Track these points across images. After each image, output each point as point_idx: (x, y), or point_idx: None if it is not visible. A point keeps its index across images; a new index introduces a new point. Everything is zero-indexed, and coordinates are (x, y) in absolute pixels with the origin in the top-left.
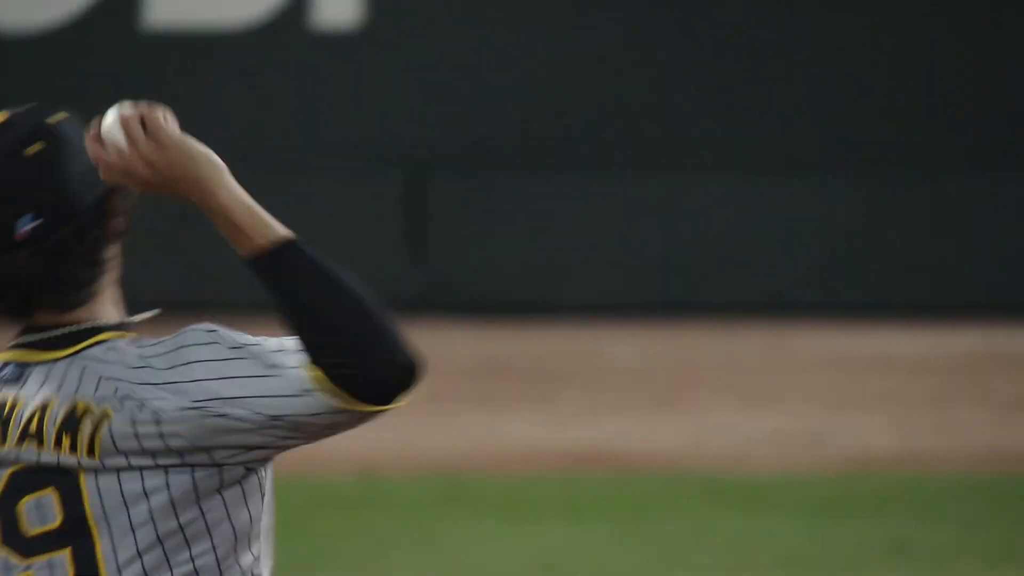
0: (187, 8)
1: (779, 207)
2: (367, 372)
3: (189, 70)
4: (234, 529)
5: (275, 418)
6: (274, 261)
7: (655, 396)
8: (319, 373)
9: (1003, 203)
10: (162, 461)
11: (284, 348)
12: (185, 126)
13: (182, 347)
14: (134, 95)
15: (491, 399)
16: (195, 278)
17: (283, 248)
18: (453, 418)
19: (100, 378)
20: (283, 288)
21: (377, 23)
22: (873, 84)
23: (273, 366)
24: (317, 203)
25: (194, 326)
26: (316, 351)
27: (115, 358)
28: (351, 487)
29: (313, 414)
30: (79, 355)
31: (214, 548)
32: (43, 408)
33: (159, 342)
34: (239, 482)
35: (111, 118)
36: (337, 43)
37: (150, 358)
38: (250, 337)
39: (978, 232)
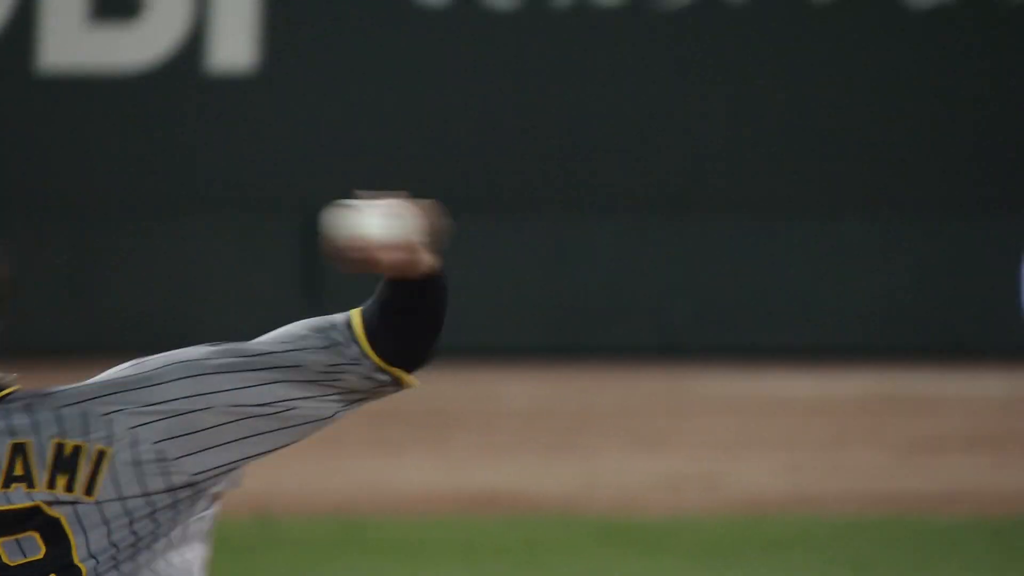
0: (81, 52)
1: (673, 250)
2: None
3: (82, 114)
4: (188, 529)
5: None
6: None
7: (550, 439)
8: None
9: (897, 247)
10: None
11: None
12: (77, 171)
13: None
14: (27, 140)
15: (386, 442)
16: (89, 322)
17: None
18: (349, 460)
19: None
20: (424, 298)
21: (272, 66)
22: (765, 127)
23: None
24: (213, 245)
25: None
26: (415, 339)
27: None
28: (247, 529)
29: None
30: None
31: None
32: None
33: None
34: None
35: (375, 220)
36: (232, 86)
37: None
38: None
39: (872, 275)
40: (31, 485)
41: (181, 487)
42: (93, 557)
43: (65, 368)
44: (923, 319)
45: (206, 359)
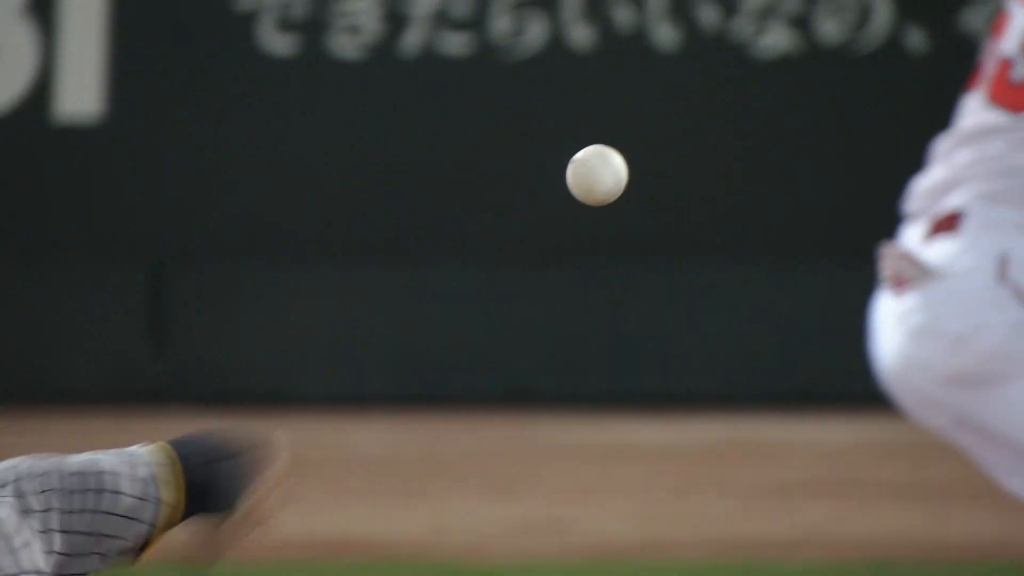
0: None
1: (519, 298)
2: None
3: None
4: None
5: None
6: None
7: (400, 485)
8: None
9: (743, 296)
10: None
11: None
12: None
13: None
14: None
15: None
16: None
17: None
18: None
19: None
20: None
21: (119, 115)
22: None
23: None
24: (58, 295)
25: None
26: None
27: None
28: None
29: None
30: None
31: None
32: None
33: None
34: None
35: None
36: (78, 135)
37: None
38: None
39: (718, 324)
40: None
41: None
42: None
43: None
44: (769, 367)
45: None
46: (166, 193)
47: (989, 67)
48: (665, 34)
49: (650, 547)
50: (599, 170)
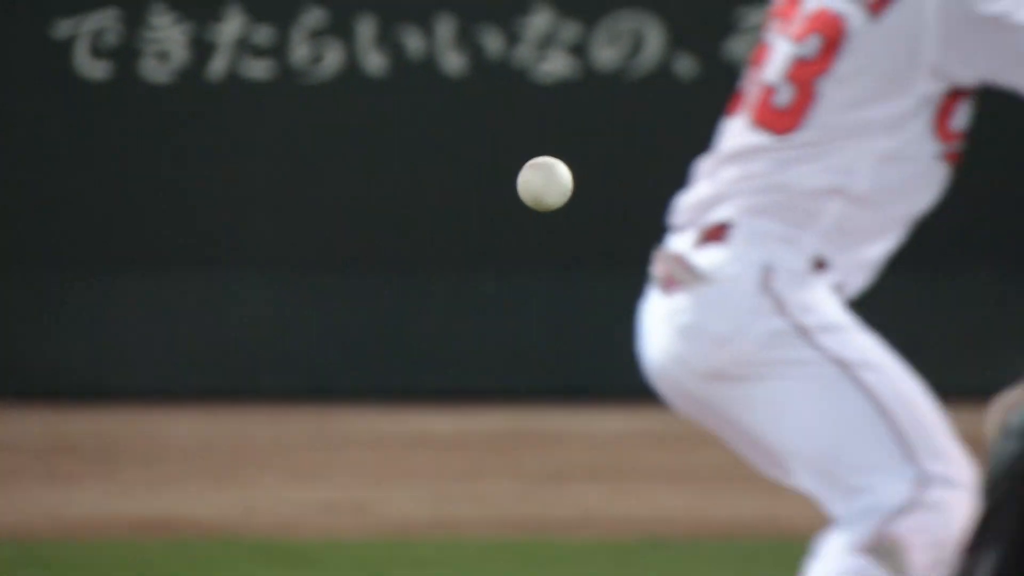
0: None
1: (321, 301)
2: None
3: None
4: None
5: None
6: None
7: (212, 470)
8: None
9: (524, 298)
10: None
11: None
12: None
13: None
14: None
15: (59, 474)
16: None
17: None
18: (24, 492)
19: None
20: None
21: None
22: (402, 189)
23: None
24: None
25: None
26: None
27: None
28: None
29: None
30: None
31: None
32: None
33: None
34: None
35: None
36: None
37: None
38: None
39: (503, 324)
40: None
41: None
42: None
43: None
44: (549, 364)
45: None
46: None
47: (752, 93)
48: (453, 61)
49: (443, 526)
50: (548, 183)
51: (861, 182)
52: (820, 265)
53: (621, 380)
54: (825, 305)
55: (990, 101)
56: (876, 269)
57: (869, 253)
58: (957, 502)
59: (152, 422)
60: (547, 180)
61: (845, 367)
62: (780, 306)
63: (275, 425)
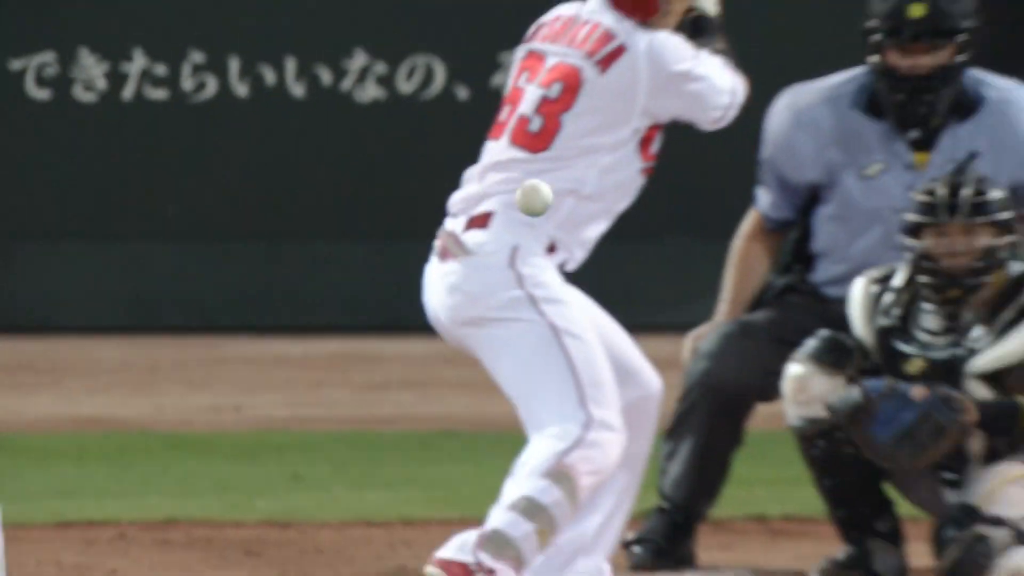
0: None
1: (210, 262)
2: None
3: None
4: None
5: None
6: None
7: (132, 382)
8: None
9: (358, 260)
10: None
11: None
12: None
13: None
14: None
15: (20, 385)
16: None
17: None
18: None
19: None
20: None
21: None
22: (270, 175)
23: None
24: None
25: None
26: None
27: None
28: None
29: None
30: None
31: None
32: None
33: None
34: None
35: None
36: None
37: None
38: None
39: (340, 277)
40: None
41: None
42: None
43: None
44: (372, 304)
45: None
46: None
47: (509, 122)
48: (297, 89)
49: (297, 423)
50: (531, 200)
51: (589, 186)
52: (552, 248)
53: (423, 316)
54: (553, 283)
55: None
56: (592, 246)
57: (589, 235)
58: (611, 441)
59: (88, 347)
60: (530, 198)
61: (556, 332)
62: (520, 280)
63: (177, 350)
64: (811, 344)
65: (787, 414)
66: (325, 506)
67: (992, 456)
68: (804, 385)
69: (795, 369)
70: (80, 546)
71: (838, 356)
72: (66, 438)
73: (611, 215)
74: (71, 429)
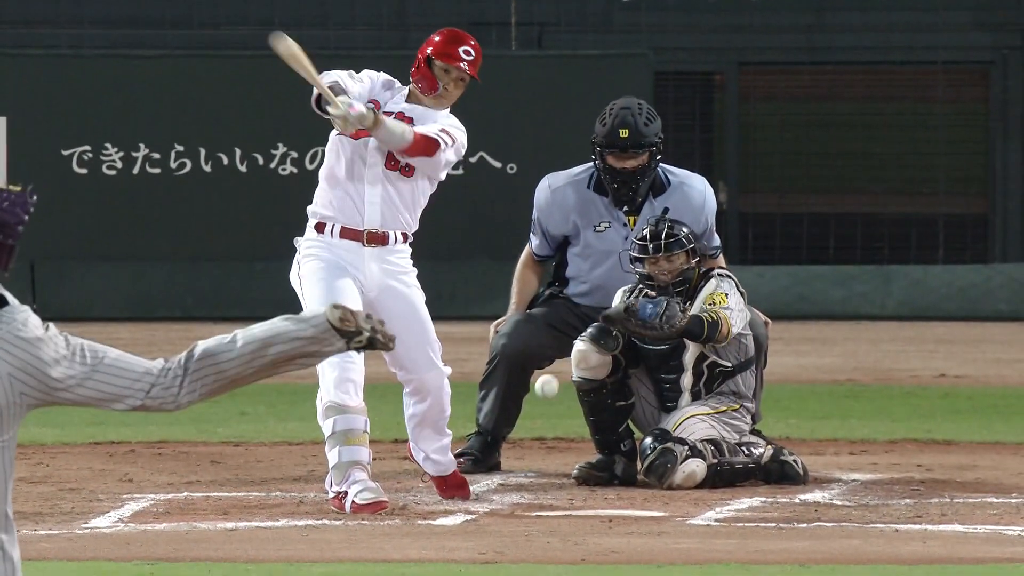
0: None
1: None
2: None
3: None
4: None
5: None
6: None
7: None
8: None
9: None
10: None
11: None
12: None
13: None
14: None
15: None
16: None
17: None
18: None
19: None
20: None
21: None
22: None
23: None
24: None
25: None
26: None
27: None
28: None
29: None
30: None
31: None
32: None
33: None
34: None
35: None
36: None
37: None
38: None
39: None
40: None
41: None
42: None
43: None
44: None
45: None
46: None
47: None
48: None
49: None
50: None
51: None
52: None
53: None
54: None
55: None
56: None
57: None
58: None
59: (106, 330)
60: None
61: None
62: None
63: (164, 333)
64: (590, 330)
65: (573, 373)
66: (262, 432)
67: (696, 396)
68: (585, 356)
69: (579, 346)
70: (104, 458)
71: (607, 339)
72: None
73: None
74: None
